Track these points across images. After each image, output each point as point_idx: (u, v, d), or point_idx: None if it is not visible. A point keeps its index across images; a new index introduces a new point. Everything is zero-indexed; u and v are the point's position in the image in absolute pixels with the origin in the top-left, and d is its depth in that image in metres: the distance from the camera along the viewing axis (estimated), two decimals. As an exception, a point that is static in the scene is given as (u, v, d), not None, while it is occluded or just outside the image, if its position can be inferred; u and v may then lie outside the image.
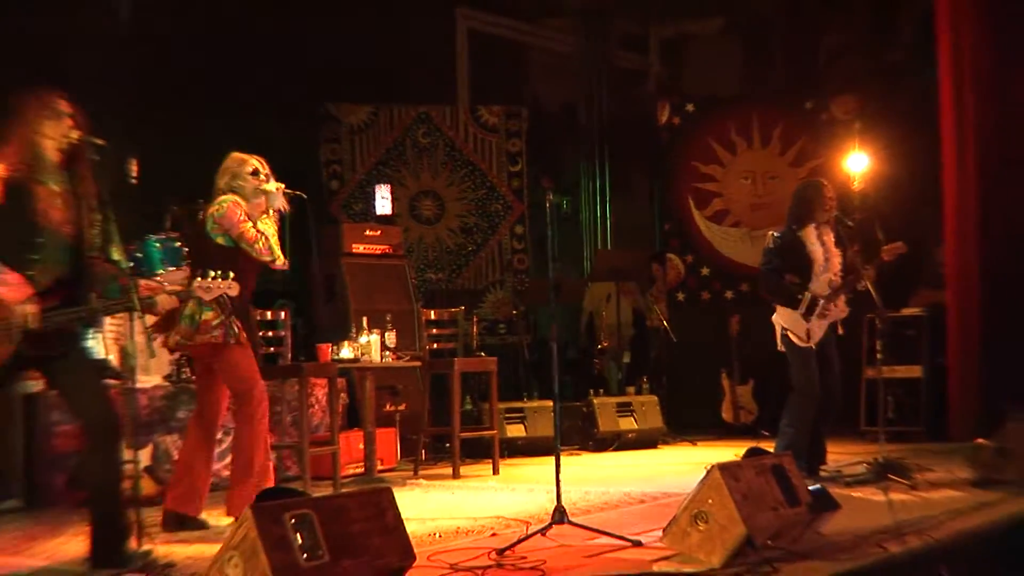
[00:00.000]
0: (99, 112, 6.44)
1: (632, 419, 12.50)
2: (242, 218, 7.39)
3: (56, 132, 6.09)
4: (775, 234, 9.32)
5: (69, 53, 10.71)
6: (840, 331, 9.32)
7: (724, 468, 5.88)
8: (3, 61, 9.81)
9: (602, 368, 14.12)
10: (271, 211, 7.53)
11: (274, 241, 7.43)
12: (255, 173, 7.54)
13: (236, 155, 7.66)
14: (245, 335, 7.43)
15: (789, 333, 9.14)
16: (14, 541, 7.20)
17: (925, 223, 12.83)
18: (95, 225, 6.27)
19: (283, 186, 7.58)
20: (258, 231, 7.38)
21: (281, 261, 7.53)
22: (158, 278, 9.58)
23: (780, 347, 9.26)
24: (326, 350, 9.55)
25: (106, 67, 11.15)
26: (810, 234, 9.16)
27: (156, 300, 6.46)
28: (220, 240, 7.43)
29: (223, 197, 7.48)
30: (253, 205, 7.51)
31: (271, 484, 7.37)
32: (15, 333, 5.92)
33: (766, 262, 9.32)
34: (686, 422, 13.33)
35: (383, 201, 13.04)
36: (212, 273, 6.61)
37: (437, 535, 7.02)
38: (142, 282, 6.45)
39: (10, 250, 5.99)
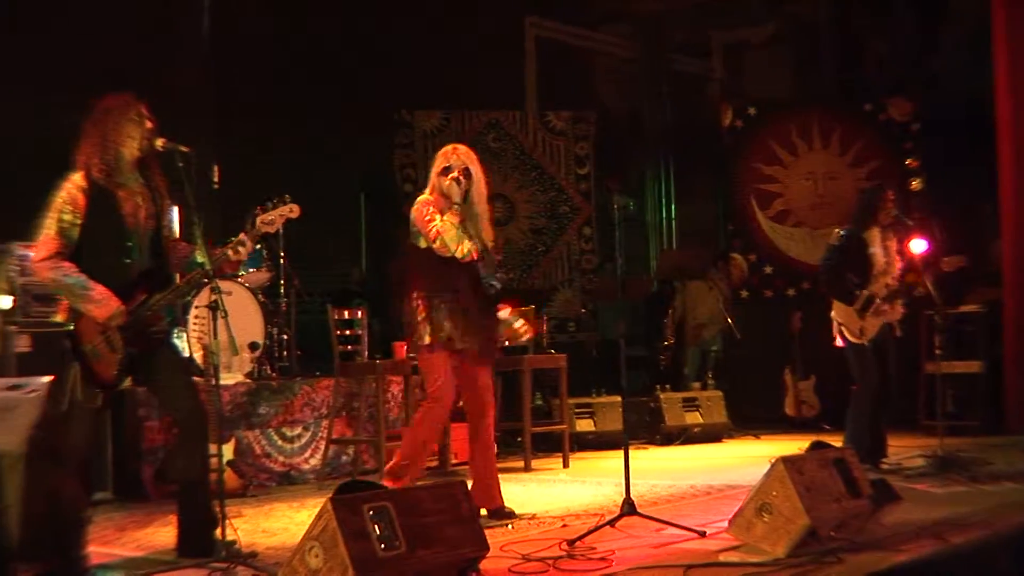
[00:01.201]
0: (184, 121, 6.51)
1: (698, 414, 12.48)
2: (427, 217, 7.17)
3: (138, 134, 6.16)
4: (841, 232, 9.33)
5: (159, 67, 10.85)
6: (897, 332, 9.30)
7: (788, 461, 5.86)
8: (97, 72, 9.91)
9: (668, 364, 14.08)
10: (454, 205, 7.19)
11: (449, 236, 7.10)
12: (445, 170, 7.26)
13: (444, 148, 7.42)
14: (440, 337, 7.17)
15: (844, 329, 9.14)
16: (105, 531, 7.25)
17: (983, 219, 12.72)
18: (167, 213, 6.37)
19: (457, 177, 7.22)
20: (438, 230, 7.12)
21: (460, 254, 7.17)
22: (240, 280, 9.70)
23: (838, 342, 9.24)
24: (402, 348, 9.56)
25: (190, 79, 11.28)
26: (875, 237, 9.18)
27: (228, 254, 6.43)
28: (422, 243, 7.26)
29: (418, 199, 7.34)
30: (445, 200, 7.24)
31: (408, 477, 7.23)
32: (116, 342, 6.01)
33: (828, 257, 9.33)
34: (750, 417, 13.28)
35: (455, 204, 13.04)
36: (269, 205, 6.53)
37: (509, 526, 7.03)
38: (216, 250, 6.46)
39: (106, 255, 6.11)
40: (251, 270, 10.10)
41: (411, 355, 7.54)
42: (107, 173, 6.10)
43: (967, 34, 13.44)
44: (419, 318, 7.17)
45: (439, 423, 7.44)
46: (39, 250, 6.02)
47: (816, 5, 15.69)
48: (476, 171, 7.34)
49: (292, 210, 6.44)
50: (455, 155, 7.31)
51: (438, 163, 7.34)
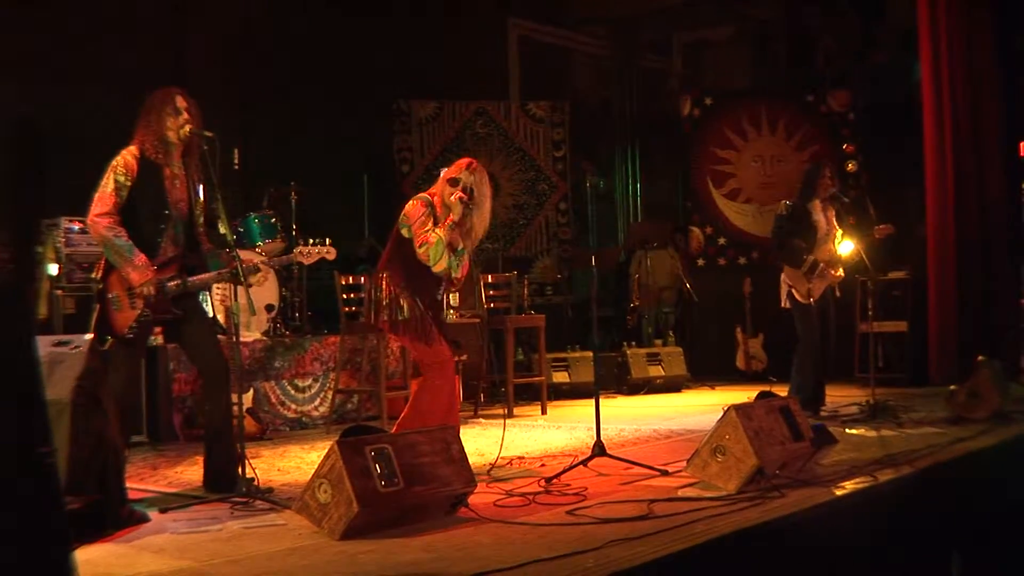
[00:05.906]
0: (209, 108, 6.52)
1: (660, 367, 12.49)
2: (421, 219, 6.63)
3: (176, 124, 6.22)
4: (788, 203, 9.38)
5: (189, 63, 10.89)
6: (837, 294, 9.35)
7: (739, 409, 5.89)
8: (138, 70, 9.88)
9: (633, 323, 14.11)
10: (451, 224, 6.69)
11: (435, 251, 6.59)
12: (453, 181, 6.75)
13: (463, 160, 6.88)
14: (415, 314, 6.64)
15: (793, 290, 9.18)
16: (141, 470, 7.26)
17: (908, 201, 12.72)
18: (200, 207, 6.42)
19: (463, 197, 6.70)
20: (427, 239, 6.59)
21: (436, 270, 6.68)
22: (258, 250, 9.69)
23: (784, 303, 9.30)
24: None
25: (215, 70, 11.27)
26: (816, 207, 9.22)
27: (259, 267, 6.49)
28: (404, 232, 6.70)
29: (419, 195, 6.76)
30: (444, 209, 6.73)
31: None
32: (136, 301, 6.09)
33: (778, 226, 9.36)
34: (706, 370, 13.28)
35: (448, 182, 13.03)
36: (312, 240, 6.61)
37: (495, 465, 7.05)
38: (244, 255, 6.53)
39: (146, 221, 6.21)
40: (267, 241, 10.06)
41: (388, 327, 6.81)
42: (157, 152, 6.20)
43: (902, 33, 13.41)
44: (387, 300, 6.67)
45: (446, 394, 6.87)
46: (96, 206, 6.13)
47: (771, 7, 15.66)
48: (484, 194, 6.86)
49: (329, 252, 6.59)
50: (468, 172, 6.78)
51: (451, 170, 6.81)
